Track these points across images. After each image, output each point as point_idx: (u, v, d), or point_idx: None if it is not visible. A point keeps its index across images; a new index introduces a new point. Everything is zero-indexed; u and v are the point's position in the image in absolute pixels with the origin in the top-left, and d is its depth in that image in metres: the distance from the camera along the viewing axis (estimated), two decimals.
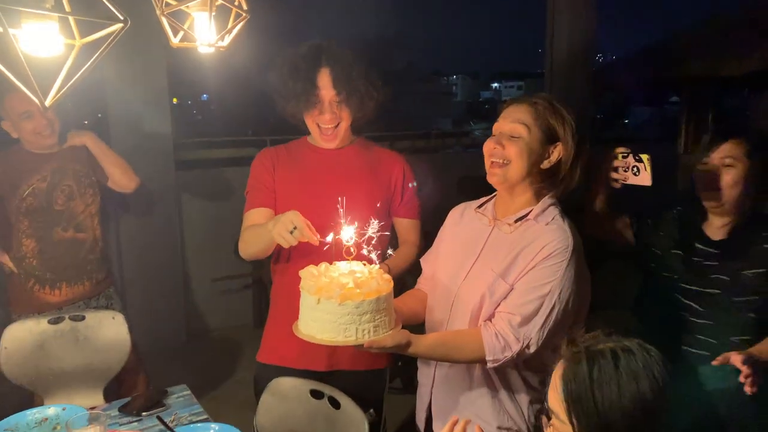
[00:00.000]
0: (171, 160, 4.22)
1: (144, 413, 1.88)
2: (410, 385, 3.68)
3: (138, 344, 2.65)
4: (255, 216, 2.01)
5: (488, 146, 1.63)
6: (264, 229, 1.84)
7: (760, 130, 6.03)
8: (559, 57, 5.55)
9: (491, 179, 1.64)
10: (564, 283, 1.54)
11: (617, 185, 1.90)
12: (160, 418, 1.81)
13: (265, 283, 4.51)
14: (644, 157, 1.79)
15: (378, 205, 2.00)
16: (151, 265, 4.12)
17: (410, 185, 2.11)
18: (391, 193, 2.08)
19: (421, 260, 1.90)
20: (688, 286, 1.92)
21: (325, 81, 1.91)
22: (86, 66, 1.09)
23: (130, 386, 2.72)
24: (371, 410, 1.97)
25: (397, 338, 1.46)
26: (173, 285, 4.29)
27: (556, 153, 1.59)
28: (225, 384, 3.75)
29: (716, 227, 1.92)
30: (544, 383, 1.67)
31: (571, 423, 0.97)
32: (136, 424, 1.84)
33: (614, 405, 0.93)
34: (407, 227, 2.13)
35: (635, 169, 1.82)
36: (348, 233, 1.53)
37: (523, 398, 1.66)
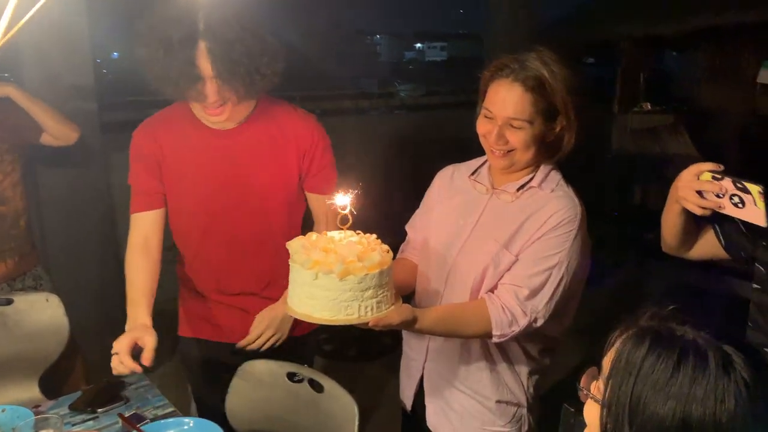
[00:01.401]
0: (96, 122, 3.84)
1: (99, 409, 1.66)
2: (367, 353, 3.61)
3: (72, 329, 2.39)
4: (143, 224, 1.80)
5: (485, 132, 1.47)
6: (130, 307, 1.76)
7: (691, 93, 6.24)
8: (500, 17, 5.47)
9: (497, 165, 1.51)
10: (572, 253, 1.46)
11: (706, 213, 1.30)
12: (121, 416, 1.60)
13: None
14: (753, 188, 1.19)
15: (294, 184, 1.82)
16: (79, 239, 3.76)
17: (323, 155, 1.82)
18: (303, 164, 1.81)
19: (406, 227, 1.76)
20: None
21: (202, 59, 1.56)
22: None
23: (67, 374, 2.45)
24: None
25: (404, 314, 1.32)
26: (106, 259, 3.96)
27: (558, 125, 1.48)
28: (168, 363, 3.51)
29: None
30: (545, 352, 1.60)
31: (606, 385, 0.87)
32: (91, 422, 1.62)
33: (649, 404, 0.81)
34: (320, 204, 1.85)
35: (736, 198, 1.24)
36: (343, 199, 1.36)
37: (523, 369, 1.59)
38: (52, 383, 2.16)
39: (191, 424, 1.55)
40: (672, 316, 0.88)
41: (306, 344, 1.99)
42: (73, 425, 1.60)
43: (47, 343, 2.14)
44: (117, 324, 4.17)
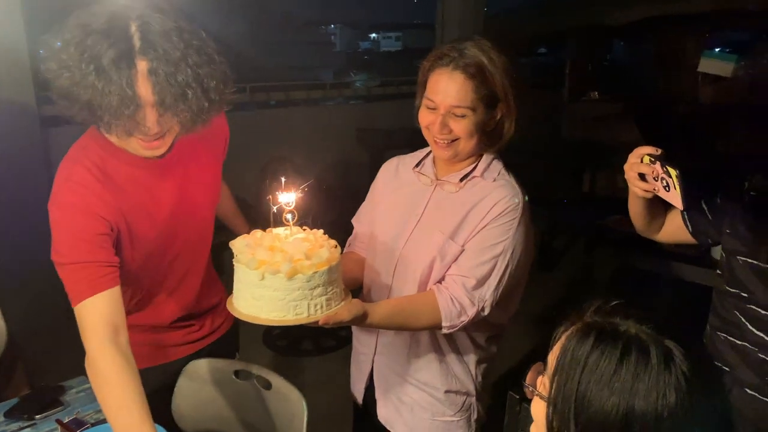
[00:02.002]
0: (35, 115, 3.70)
1: (38, 416, 1.59)
2: (321, 348, 3.59)
3: (11, 331, 2.29)
4: (105, 308, 1.34)
5: (428, 123, 1.46)
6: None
7: (638, 82, 6.39)
8: (450, 7, 5.48)
9: (441, 156, 1.50)
10: (516, 241, 1.47)
11: (647, 195, 1.33)
12: (59, 422, 1.54)
13: None
14: (673, 172, 1.21)
15: (219, 180, 1.71)
16: (19, 239, 3.62)
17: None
18: (221, 158, 1.70)
19: (352, 220, 1.74)
20: (762, 311, 1.39)
21: (142, 82, 1.26)
22: None
23: (6, 380, 2.35)
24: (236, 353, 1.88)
25: (354, 310, 1.30)
26: (48, 259, 3.82)
27: (499, 113, 1.48)
28: None
29: None
30: (491, 340, 1.61)
31: (551, 382, 0.87)
32: (29, 429, 1.55)
33: (594, 399, 0.82)
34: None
35: (664, 182, 1.26)
36: (287, 196, 1.32)
37: (471, 358, 1.60)
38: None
39: None
40: (616, 311, 0.89)
41: (233, 339, 1.90)
42: None
43: None
44: (61, 328, 4.04)
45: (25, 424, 1.57)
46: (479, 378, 1.62)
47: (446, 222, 1.49)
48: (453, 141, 1.45)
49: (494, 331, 1.61)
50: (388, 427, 1.65)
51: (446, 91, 1.42)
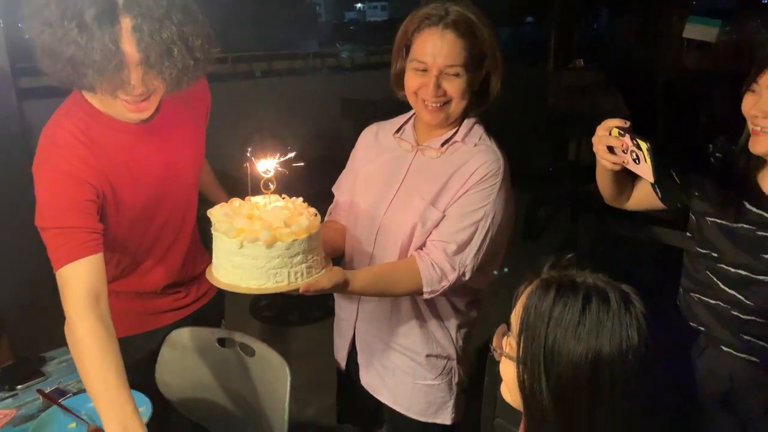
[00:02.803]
0: (11, 87, 3.63)
1: (19, 386, 1.59)
2: (308, 318, 3.61)
3: None
4: (87, 275, 1.32)
5: (419, 86, 1.43)
6: (108, 408, 1.24)
7: (623, 51, 6.35)
8: None
9: (433, 120, 1.47)
10: (497, 206, 1.47)
11: (616, 168, 1.33)
12: (41, 391, 1.54)
13: None
14: (643, 145, 1.22)
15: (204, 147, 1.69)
16: None
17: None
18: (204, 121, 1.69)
19: (333, 189, 1.74)
20: (731, 269, 1.40)
21: (126, 40, 1.26)
22: None
23: None
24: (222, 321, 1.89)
25: (334, 278, 1.31)
26: (29, 233, 3.78)
27: (485, 70, 1.47)
28: None
29: None
30: (471, 305, 1.63)
31: (518, 342, 0.88)
32: (10, 400, 1.55)
33: (563, 350, 0.83)
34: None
35: (634, 155, 1.27)
36: (266, 163, 1.31)
37: (452, 323, 1.61)
38: None
39: None
40: (570, 264, 0.90)
41: (219, 305, 1.90)
42: None
43: None
44: (43, 300, 4.01)
45: (7, 395, 1.57)
46: (460, 342, 1.63)
47: (427, 188, 1.49)
48: (445, 104, 1.44)
49: (474, 296, 1.62)
50: (371, 392, 1.67)
51: (439, 51, 1.40)
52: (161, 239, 1.63)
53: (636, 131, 1.25)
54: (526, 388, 0.87)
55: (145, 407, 1.45)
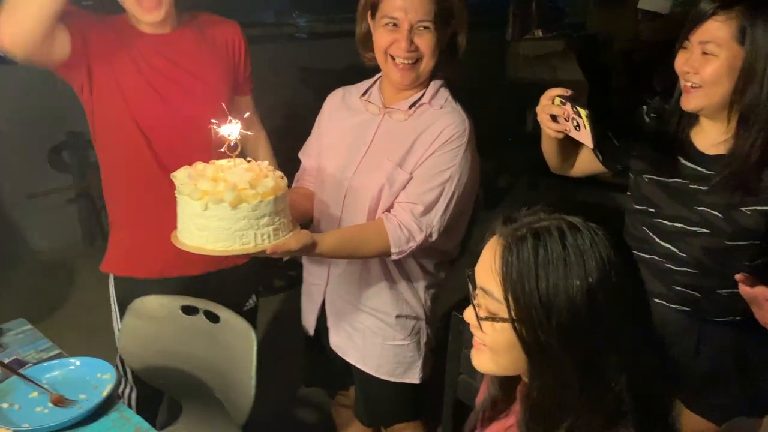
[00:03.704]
0: None
1: None
2: (269, 289, 3.59)
3: None
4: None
5: (390, 43, 1.44)
6: None
7: (581, 20, 6.41)
8: None
9: (404, 80, 1.47)
10: (463, 167, 1.49)
11: (559, 136, 1.38)
12: (1, 363, 1.50)
13: (92, 197, 4.01)
14: (582, 112, 1.27)
15: (228, 88, 1.75)
16: None
17: (248, 56, 1.82)
18: (236, 70, 1.79)
19: (299, 154, 1.72)
20: (667, 223, 1.45)
21: None
22: None
23: None
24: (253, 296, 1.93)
25: (302, 240, 1.30)
26: None
27: (451, 29, 1.48)
28: (61, 309, 3.34)
29: (711, 138, 1.40)
30: (440, 266, 1.64)
31: (507, 301, 0.88)
32: None
33: (559, 285, 0.84)
34: (247, 104, 1.84)
35: (575, 122, 1.32)
36: (230, 127, 1.29)
37: (421, 284, 1.63)
38: None
39: (78, 363, 1.47)
40: (527, 215, 0.92)
41: (246, 277, 1.89)
42: None
43: None
44: None
45: None
46: (428, 303, 1.65)
47: (394, 150, 1.49)
48: (416, 62, 1.44)
49: (442, 257, 1.64)
50: (340, 354, 1.68)
51: (410, 6, 1.40)
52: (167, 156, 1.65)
53: (575, 99, 1.30)
54: (528, 342, 0.87)
55: (110, 374, 1.43)
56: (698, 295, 1.45)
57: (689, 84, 1.34)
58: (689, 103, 1.35)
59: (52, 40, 1.47)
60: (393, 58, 1.45)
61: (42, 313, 3.19)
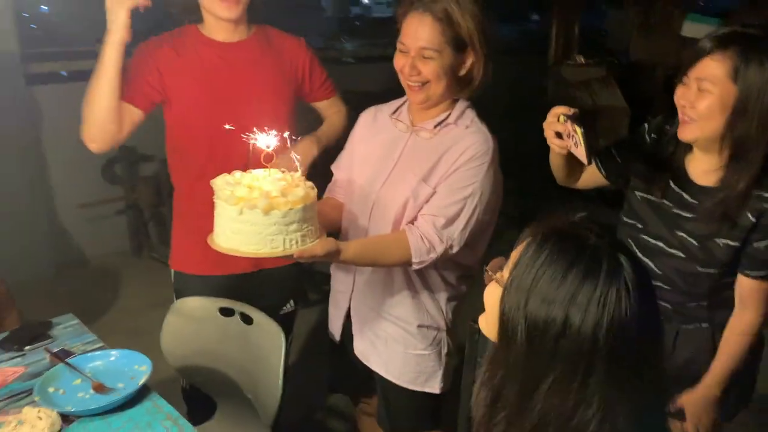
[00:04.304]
0: (20, 74, 3.70)
1: (27, 347, 1.67)
2: (305, 301, 3.67)
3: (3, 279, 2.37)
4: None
5: (401, 66, 1.54)
6: (104, 51, 1.64)
7: (623, 46, 6.40)
8: None
9: (415, 99, 1.57)
10: (485, 184, 1.55)
11: (562, 151, 1.47)
12: (48, 350, 1.62)
13: (141, 208, 4.20)
14: (578, 130, 1.36)
15: (289, 99, 1.89)
16: (5, 193, 3.66)
17: (318, 66, 1.98)
18: (299, 82, 1.93)
19: (332, 167, 1.81)
20: (650, 240, 1.55)
21: None
22: None
23: (1, 323, 2.43)
24: (291, 301, 2.02)
25: (327, 246, 1.38)
26: (34, 214, 3.86)
27: (470, 59, 1.55)
28: (108, 314, 3.50)
29: (703, 167, 1.48)
30: (462, 279, 1.70)
31: (510, 275, 0.92)
32: (19, 359, 1.63)
33: (540, 294, 0.86)
34: (328, 105, 2.04)
35: (574, 139, 1.40)
36: (268, 138, 1.39)
37: (442, 296, 1.68)
38: None
39: (117, 355, 1.58)
40: (579, 222, 0.94)
41: (284, 281, 2.00)
42: (0, 363, 1.60)
43: None
44: (48, 277, 4.10)
45: (15, 355, 1.64)
46: (449, 315, 1.70)
47: (420, 166, 1.57)
48: (424, 84, 1.52)
49: (464, 271, 1.69)
50: (363, 361, 1.74)
51: (416, 33, 1.49)
52: (227, 162, 1.73)
53: (577, 118, 1.39)
54: (505, 313, 0.91)
55: (146, 366, 1.53)
56: (668, 306, 1.56)
57: (686, 117, 1.41)
58: (684, 134, 1.43)
59: (122, 119, 1.74)
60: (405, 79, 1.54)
61: (90, 316, 3.35)
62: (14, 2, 3.66)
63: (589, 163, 1.42)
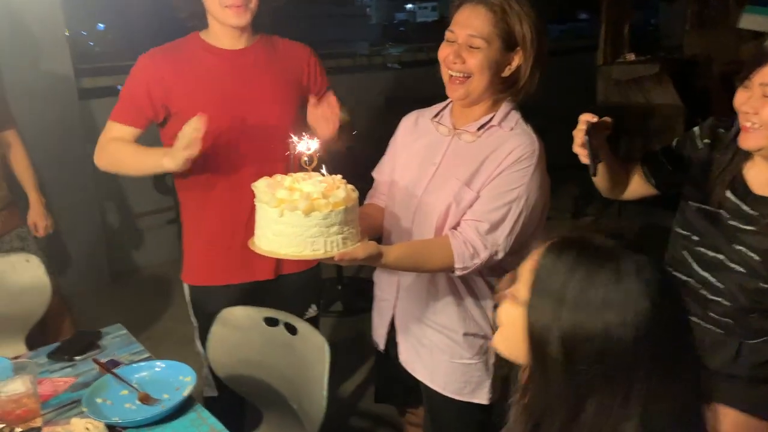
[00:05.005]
0: (73, 88, 3.83)
1: (77, 357, 1.69)
2: (349, 309, 3.67)
3: (60, 287, 2.44)
4: (119, 132, 1.81)
5: (445, 55, 1.50)
6: (149, 159, 1.72)
7: (675, 42, 6.19)
8: None
9: (452, 95, 1.53)
10: (531, 188, 1.49)
11: (584, 160, 1.42)
12: (96, 361, 1.64)
13: None
14: (585, 137, 1.37)
15: (296, 104, 1.88)
16: (62, 205, 3.77)
17: (322, 69, 1.98)
18: (306, 88, 1.92)
19: (373, 173, 1.79)
20: (709, 253, 1.47)
21: None
22: None
23: (56, 332, 2.50)
24: (313, 305, 2.04)
25: (368, 249, 1.35)
26: (90, 224, 3.98)
27: (517, 59, 1.50)
28: (158, 323, 3.57)
29: (764, 177, 1.40)
30: None
31: (530, 292, 0.87)
32: (69, 369, 1.66)
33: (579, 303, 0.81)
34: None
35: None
36: (307, 142, 1.38)
37: (488, 303, 1.63)
38: (40, 342, 2.19)
39: (163, 366, 1.58)
40: (590, 226, 0.91)
41: (305, 286, 2.01)
42: (51, 372, 1.63)
43: (30, 302, 2.16)
44: (103, 285, 4.22)
45: (66, 365, 1.67)
46: (496, 322, 1.64)
47: (463, 170, 1.52)
48: (466, 78, 1.47)
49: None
50: (408, 370, 1.70)
51: (467, 21, 1.46)
52: (236, 169, 1.80)
53: (595, 125, 1.34)
54: (534, 330, 0.86)
55: (191, 377, 1.53)
56: (731, 321, 1.48)
57: (748, 124, 1.33)
58: (747, 142, 1.35)
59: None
60: (447, 69, 1.50)
61: (140, 324, 3.43)
62: (68, 23, 3.79)
63: (593, 174, 1.40)
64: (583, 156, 1.39)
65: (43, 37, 3.61)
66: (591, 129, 1.35)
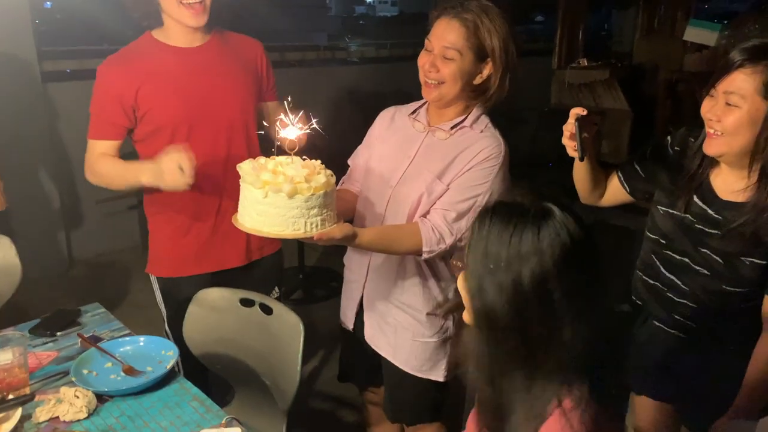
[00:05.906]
0: (36, 71, 3.79)
1: (59, 332, 1.76)
2: (310, 297, 3.77)
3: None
4: (101, 148, 1.86)
5: (423, 63, 1.64)
6: (137, 173, 1.76)
7: (626, 49, 6.47)
8: None
9: (427, 97, 1.67)
10: (495, 184, 1.64)
11: (573, 154, 1.49)
12: (80, 335, 1.70)
13: None
14: (575, 125, 1.43)
15: (256, 96, 1.98)
16: (21, 189, 3.75)
17: (271, 68, 2.06)
18: (260, 80, 2.01)
19: (348, 160, 1.90)
20: (675, 256, 1.54)
21: None
22: None
23: (26, 310, 2.51)
24: (276, 288, 2.15)
25: (345, 230, 1.48)
26: (49, 210, 3.95)
27: (487, 70, 1.64)
28: (119, 308, 3.59)
29: (729, 183, 1.45)
30: None
31: (466, 258, 0.98)
32: (51, 344, 1.72)
33: (493, 251, 0.92)
34: (275, 108, 2.05)
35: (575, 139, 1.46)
36: (290, 130, 1.47)
37: (451, 286, 1.76)
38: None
39: (145, 341, 1.67)
40: (521, 191, 1.01)
41: (270, 270, 2.12)
42: (34, 347, 1.69)
43: (1, 282, 2.18)
44: (62, 271, 4.17)
45: (48, 340, 1.73)
46: None
47: (435, 164, 1.66)
48: (439, 83, 1.61)
49: None
50: (372, 346, 1.82)
51: (442, 34, 1.60)
52: (202, 162, 1.81)
53: (584, 118, 1.42)
54: (470, 295, 0.98)
55: (173, 351, 1.62)
56: (694, 326, 1.54)
57: (711, 131, 1.39)
58: (710, 148, 1.41)
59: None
60: (424, 75, 1.64)
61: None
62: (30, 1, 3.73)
63: (581, 159, 1.46)
64: (571, 148, 1.47)
65: (4, 18, 3.56)
66: (580, 121, 1.41)
